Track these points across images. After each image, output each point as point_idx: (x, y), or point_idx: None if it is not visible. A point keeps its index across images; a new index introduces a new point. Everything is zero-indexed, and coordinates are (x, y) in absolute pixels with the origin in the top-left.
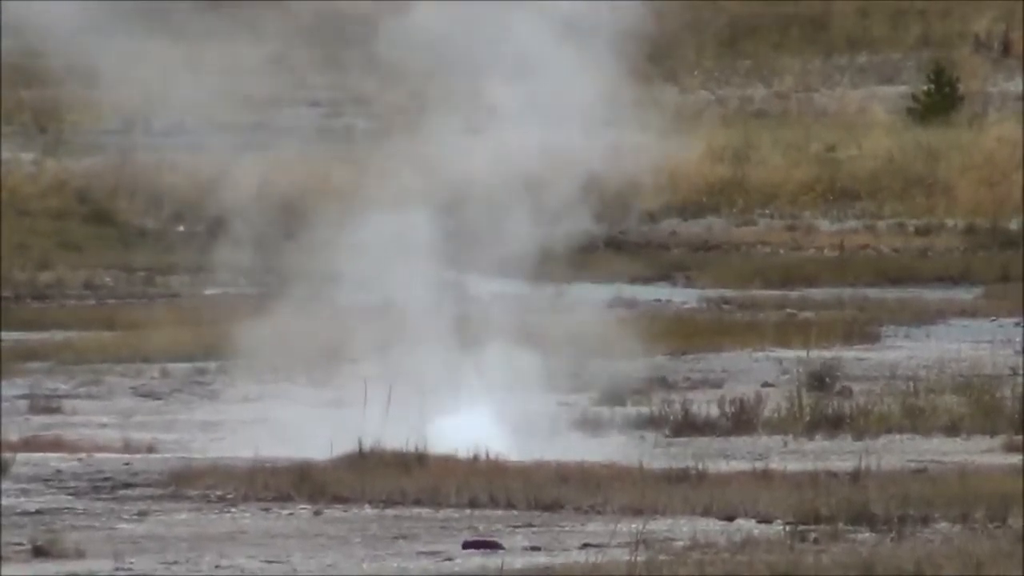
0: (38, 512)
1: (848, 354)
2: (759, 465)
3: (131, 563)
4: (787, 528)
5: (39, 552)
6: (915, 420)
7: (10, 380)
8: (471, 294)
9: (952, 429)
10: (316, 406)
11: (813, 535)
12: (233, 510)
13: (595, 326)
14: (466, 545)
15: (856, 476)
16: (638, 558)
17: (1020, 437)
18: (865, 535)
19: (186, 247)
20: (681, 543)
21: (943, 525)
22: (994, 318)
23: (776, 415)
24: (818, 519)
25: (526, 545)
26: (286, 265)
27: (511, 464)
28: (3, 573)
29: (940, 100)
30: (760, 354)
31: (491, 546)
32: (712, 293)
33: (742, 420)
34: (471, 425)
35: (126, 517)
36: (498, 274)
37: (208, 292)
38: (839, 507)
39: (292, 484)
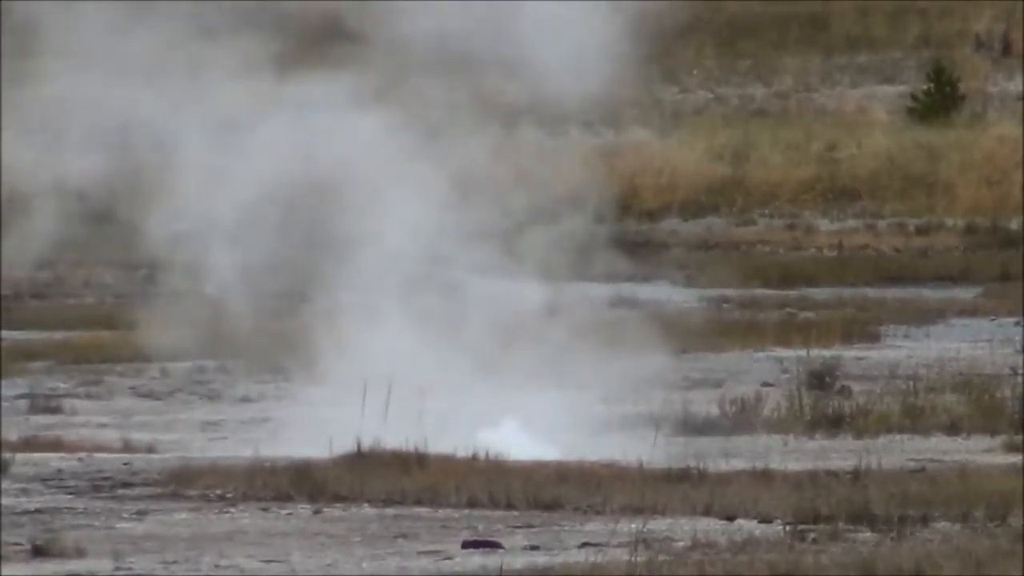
0: (38, 511)
1: (848, 353)
2: (759, 465)
3: (131, 563)
4: (787, 528)
5: (39, 552)
6: (915, 419)
7: (10, 380)
8: (470, 293)
9: (952, 428)
10: (316, 406)
11: (813, 535)
12: (232, 510)
13: (595, 325)
14: (466, 545)
15: (856, 475)
16: (638, 558)
17: (1020, 437)
18: (865, 535)
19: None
20: (681, 543)
21: (943, 524)
22: (994, 318)
23: (776, 414)
24: (818, 519)
25: (526, 545)
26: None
27: (511, 464)
28: (3, 573)
29: (940, 100)
30: (760, 353)
31: (491, 546)
32: (712, 293)
33: (742, 419)
34: (470, 425)
35: (126, 516)
36: (497, 273)
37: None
38: (839, 507)
39: (291, 484)
